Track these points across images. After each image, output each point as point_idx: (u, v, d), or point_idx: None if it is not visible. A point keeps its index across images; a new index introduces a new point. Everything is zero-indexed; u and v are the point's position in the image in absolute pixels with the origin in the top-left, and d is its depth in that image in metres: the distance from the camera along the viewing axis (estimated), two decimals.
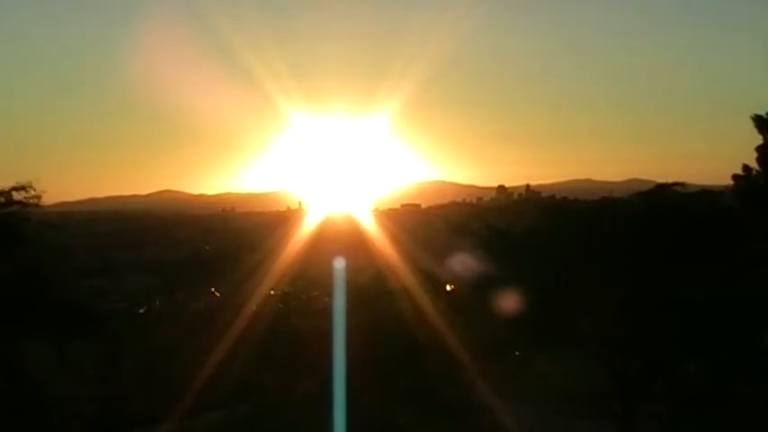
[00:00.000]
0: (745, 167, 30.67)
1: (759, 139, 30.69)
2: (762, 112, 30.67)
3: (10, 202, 18.95)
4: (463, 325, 24.92)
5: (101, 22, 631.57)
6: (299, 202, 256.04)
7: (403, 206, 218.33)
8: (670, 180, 25.27)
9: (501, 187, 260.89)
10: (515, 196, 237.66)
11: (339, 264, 20.09)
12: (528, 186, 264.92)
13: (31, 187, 18.94)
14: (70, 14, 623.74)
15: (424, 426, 18.62)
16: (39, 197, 19.06)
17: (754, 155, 30.70)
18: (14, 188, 18.95)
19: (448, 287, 29.36)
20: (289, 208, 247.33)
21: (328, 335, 19.00)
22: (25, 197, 18.94)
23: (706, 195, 26.90)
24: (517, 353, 24.97)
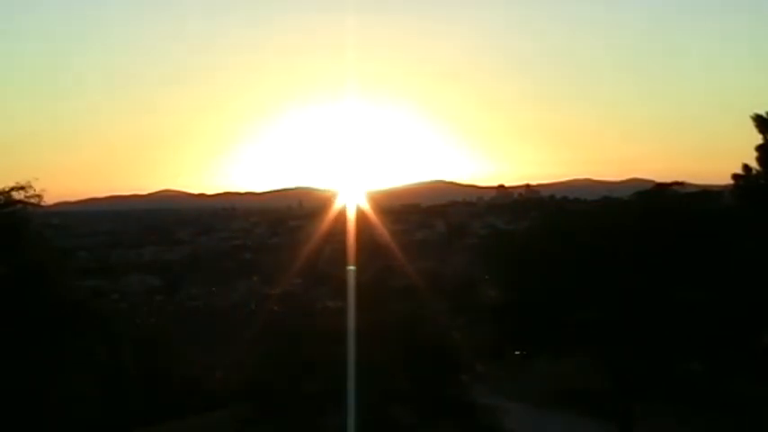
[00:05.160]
0: (746, 167, 30.72)
1: (759, 139, 30.74)
2: (762, 112, 30.73)
3: (10, 201, 18.93)
4: (463, 324, 24.94)
5: (101, 22, 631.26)
6: (299, 202, 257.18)
7: (403, 206, 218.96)
8: (670, 180, 25.31)
9: (501, 187, 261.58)
10: (515, 196, 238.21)
11: (343, 265, 20.10)
12: (528, 186, 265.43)
13: (31, 187, 18.92)
14: (70, 14, 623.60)
15: (425, 426, 18.59)
16: (40, 197, 19.04)
17: (755, 154, 30.75)
18: (14, 188, 18.93)
19: (447, 286, 29.38)
20: (289, 207, 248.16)
21: (329, 334, 18.98)
22: (26, 197, 18.91)
23: (706, 195, 26.90)
24: (517, 353, 24.97)
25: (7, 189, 18.86)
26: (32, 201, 18.97)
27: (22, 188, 18.81)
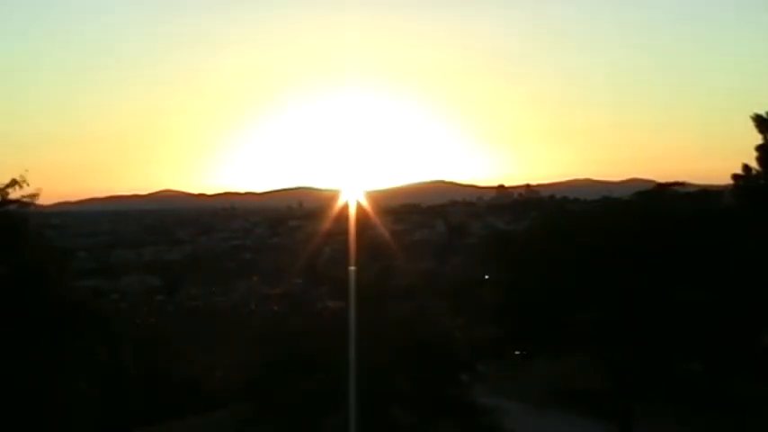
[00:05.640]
0: (746, 167, 30.77)
1: (759, 139, 30.78)
2: (762, 112, 30.76)
3: (6, 200, 18.87)
4: (463, 324, 24.93)
5: (100, 21, 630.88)
6: (299, 202, 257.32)
7: (403, 206, 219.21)
8: (670, 180, 25.32)
9: (501, 187, 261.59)
10: (515, 196, 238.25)
11: (343, 265, 20.15)
12: (528, 186, 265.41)
13: (25, 181, 18.75)
14: (70, 13, 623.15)
15: (425, 426, 18.59)
16: (35, 195, 18.96)
17: (755, 154, 30.79)
18: (9, 185, 18.79)
19: (447, 286, 29.35)
20: (289, 207, 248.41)
21: (329, 334, 19.00)
22: (22, 196, 18.85)
23: (706, 195, 26.94)
24: (517, 353, 24.98)
25: (3, 186, 18.78)
26: (27, 200, 18.88)
27: (16, 183, 18.68)
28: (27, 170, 18.76)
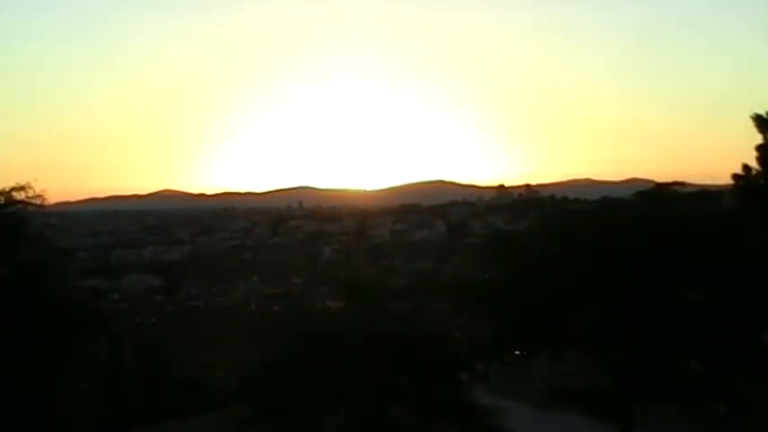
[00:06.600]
0: (745, 167, 30.81)
1: (759, 139, 30.82)
2: (762, 112, 30.79)
3: (11, 201, 18.92)
4: (463, 324, 24.94)
5: (102, 22, 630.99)
6: (299, 202, 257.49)
7: (403, 206, 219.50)
8: (670, 180, 25.32)
9: (501, 187, 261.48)
10: (515, 196, 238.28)
11: (344, 265, 20.18)
12: (528, 186, 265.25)
13: (31, 188, 18.90)
14: (71, 13, 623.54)
15: (425, 426, 18.60)
16: (41, 197, 19.03)
17: (755, 154, 30.83)
18: (14, 189, 18.92)
19: (447, 286, 29.33)
20: (289, 207, 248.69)
21: (329, 334, 19.00)
22: (27, 197, 18.90)
23: (706, 195, 26.95)
24: (517, 353, 24.97)
25: (8, 189, 18.86)
26: (34, 201, 18.97)
27: (22, 188, 18.81)
28: (36, 179, 18.91)
